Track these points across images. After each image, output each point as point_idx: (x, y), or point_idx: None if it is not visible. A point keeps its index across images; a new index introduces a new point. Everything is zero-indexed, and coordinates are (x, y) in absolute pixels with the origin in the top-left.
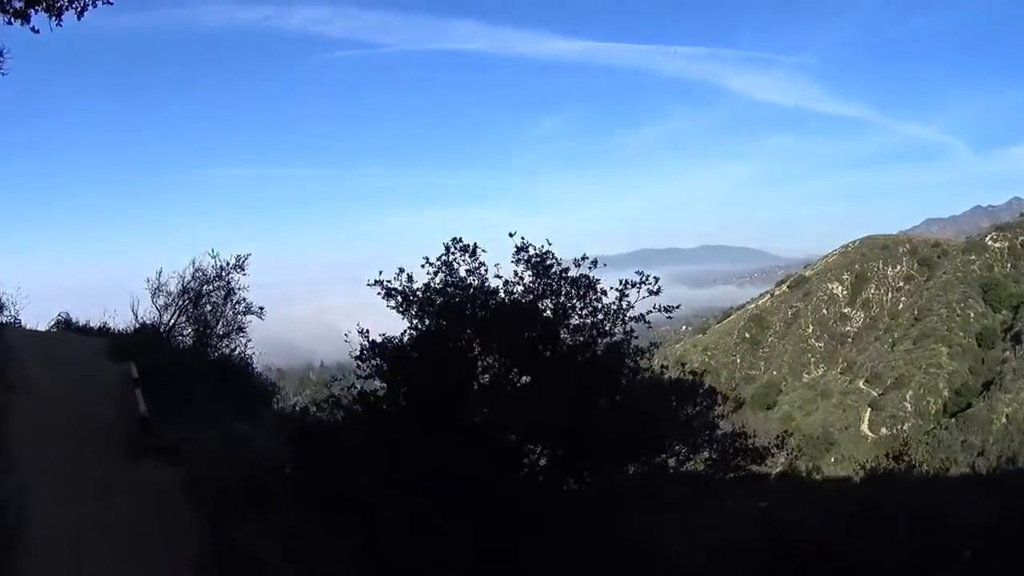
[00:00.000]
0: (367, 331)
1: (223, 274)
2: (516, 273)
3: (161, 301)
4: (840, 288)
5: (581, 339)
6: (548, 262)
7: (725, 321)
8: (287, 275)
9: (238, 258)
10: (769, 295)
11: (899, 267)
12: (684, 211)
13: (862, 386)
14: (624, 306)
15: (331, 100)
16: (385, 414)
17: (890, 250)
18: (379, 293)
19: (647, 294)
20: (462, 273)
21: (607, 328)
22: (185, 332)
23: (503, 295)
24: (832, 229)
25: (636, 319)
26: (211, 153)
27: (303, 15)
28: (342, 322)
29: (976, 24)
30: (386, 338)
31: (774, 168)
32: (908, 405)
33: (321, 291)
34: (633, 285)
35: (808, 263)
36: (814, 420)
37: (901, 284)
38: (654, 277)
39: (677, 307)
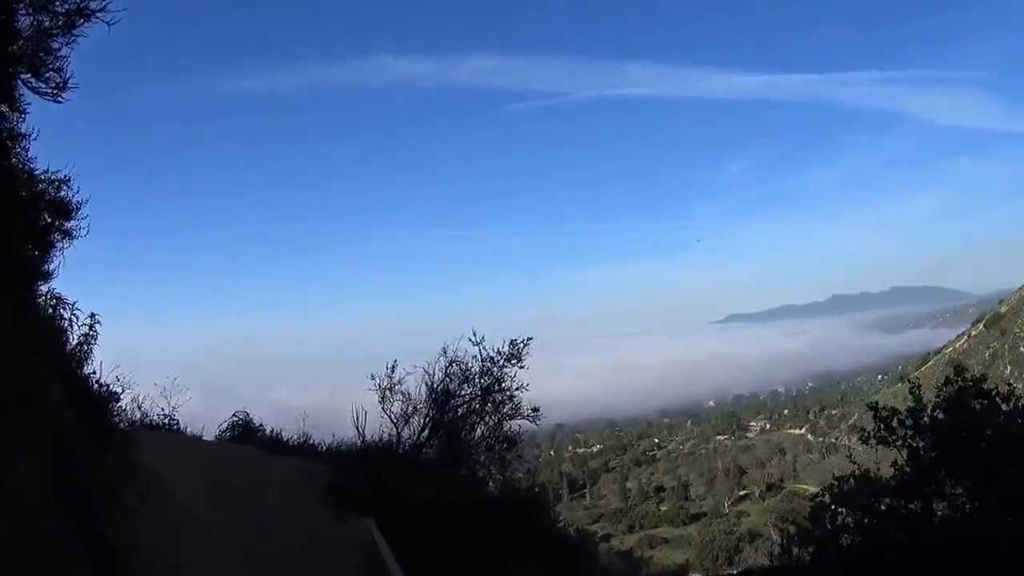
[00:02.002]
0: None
1: (493, 368)
2: None
3: (397, 407)
4: None
5: None
6: None
7: (924, 368)
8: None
9: (512, 345)
10: (966, 336)
11: None
12: (872, 250)
13: None
14: None
15: (504, 154)
16: None
17: None
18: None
19: None
20: None
21: None
22: (432, 448)
23: None
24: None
25: None
26: (375, 214)
27: (470, 68)
28: (532, 388)
29: None
30: None
31: (959, 196)
32: None
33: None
34: None
35: (1001, 298)
36: None
37: None
38: None
39: None
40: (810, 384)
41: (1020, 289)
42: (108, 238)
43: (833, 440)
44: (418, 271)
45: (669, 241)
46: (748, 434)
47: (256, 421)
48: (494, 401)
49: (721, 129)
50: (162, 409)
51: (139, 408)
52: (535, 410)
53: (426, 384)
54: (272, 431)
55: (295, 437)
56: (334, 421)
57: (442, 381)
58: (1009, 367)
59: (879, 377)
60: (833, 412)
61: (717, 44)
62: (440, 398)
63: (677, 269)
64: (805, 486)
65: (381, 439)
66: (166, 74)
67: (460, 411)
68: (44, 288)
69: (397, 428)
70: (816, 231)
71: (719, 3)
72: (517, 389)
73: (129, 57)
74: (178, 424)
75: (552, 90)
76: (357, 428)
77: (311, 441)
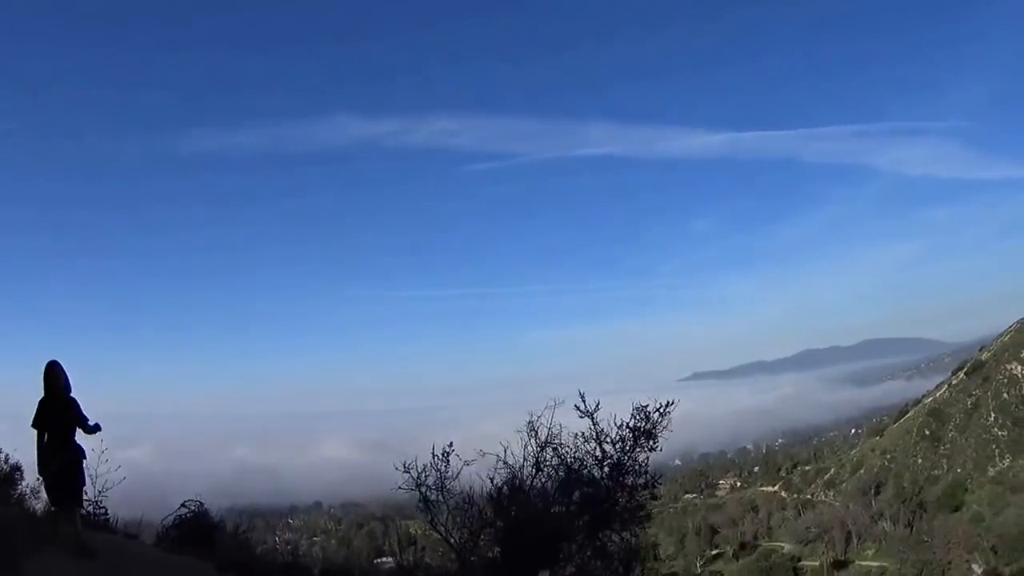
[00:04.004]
0: None
1: (623, 456)
2: None
3: (451, 519)
4: (1020, 368)
5: None
6: None
7: (903, 419)
8: (432, 400)
9: (642, 416)
10: (946, 385)
11: None
12: (842, 303)
13: None
14: None
15: (463, 216)
16: None
17: None
18: None
19: None
20: None
21: None
22: None
23: None
24: (1000, 305)
25: None
26: (332, 276)
27: (431, 128)
28: (493, 450)
29: None
30: None
31: (930, 247)
32: None
33: (469, 417)
34: None
35: (978, 345)
36: (1007, 518)
37: None
38: None
39: None
40: (780, 440)
41: (1001, 336)
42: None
43: (809, 496)
44: (377, 332)
45: (632, 299)
46: (718, 492)
47: (215, 513)
48: (584, 497)
49: (686, 187)
50: (85, 493)
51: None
52: (643, 514)
53: (495, 487)
54: (237, 528)
55: (280, 548)
56: (298, 484)
57: (532, 476)
58: (993, 414)
59: (852, 431)
60: (807, 468)
61: (679, 103)
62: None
63: (641, 326)
64: (782, 544)
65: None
66: (109, 130)
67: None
68: None
69: (460, 555)
70: (784, 285)
71: (681, 62)
72: (652, 485)
73: (70, 113)
74: (105, 514)
75: (511, 151)
76: (400, 561)
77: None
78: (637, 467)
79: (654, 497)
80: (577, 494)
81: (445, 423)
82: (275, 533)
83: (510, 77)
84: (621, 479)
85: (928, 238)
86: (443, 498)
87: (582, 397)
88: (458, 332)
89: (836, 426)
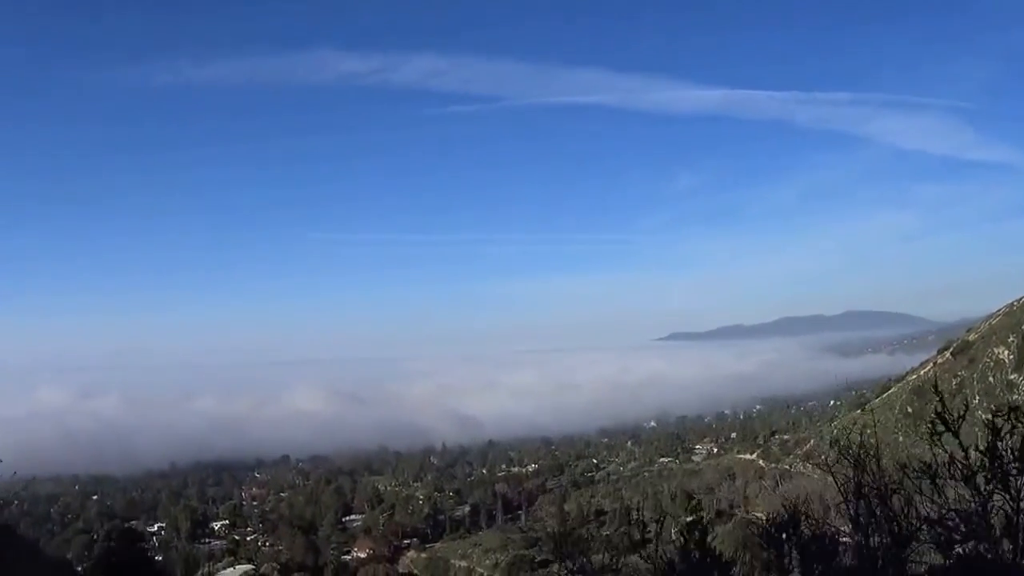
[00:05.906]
0: None
1: None
2: None
3: None
4: (1006, 352)
5: None
6: None
7: (885, 394)
8: (401, 350)
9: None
10: (931, 363)
11: None
12: (826, 272)
13: None
14: None
15: (444, 159)
16: None
17: None
18: None
19: None
20: None
21: None
22: None
23: None
24: (987, 287)
25: None
26: (310, 218)
27: (416, 67)
28: (463, 403)
29: None
30: None
31: (922, 223)
32: None
33: (439, 368)
34: None
35: (963, 325)
36: None
37: None
38: None
39: None
40: (758, 407)
41: (989, 318)
42: None
43: (787, 467)
44: (342, 276)
45: (611, 253)
46: (694, 457)
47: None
48: None
49: (675, 142)
50: None
51: None
52: None
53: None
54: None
55: None
56: (265, 436)
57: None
58: (978, 397)
59: (831, 403)
60: (785, 437)
61: (677, 56)
62: None
63: (619, 282)
64: (759, 514)
65: None
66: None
67: None
68: None
69: None
70: (767, 250)
71: (682, 16)
72: None
73: (58, 46)
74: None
75: (496, 94)
76: None
77: None
78: None
79: None
80: None
81: (412, 374)
82: (241, 488)
83: (498, 17)
84: None
85: (917, 214)
86: None
87: (938, 393)
88: (428, 280)
89: (815, 395)
